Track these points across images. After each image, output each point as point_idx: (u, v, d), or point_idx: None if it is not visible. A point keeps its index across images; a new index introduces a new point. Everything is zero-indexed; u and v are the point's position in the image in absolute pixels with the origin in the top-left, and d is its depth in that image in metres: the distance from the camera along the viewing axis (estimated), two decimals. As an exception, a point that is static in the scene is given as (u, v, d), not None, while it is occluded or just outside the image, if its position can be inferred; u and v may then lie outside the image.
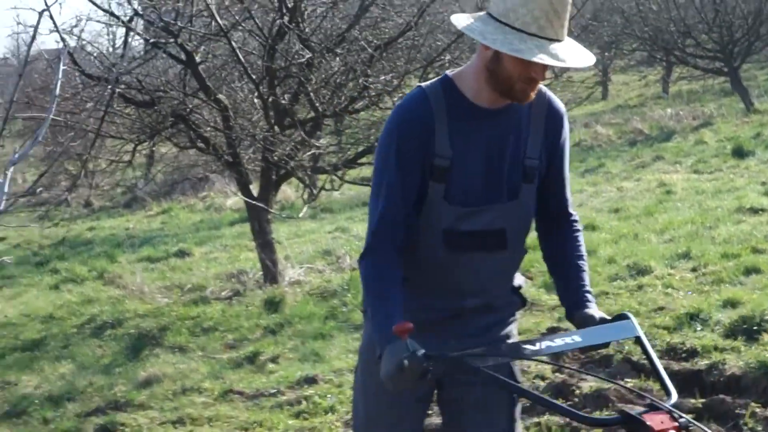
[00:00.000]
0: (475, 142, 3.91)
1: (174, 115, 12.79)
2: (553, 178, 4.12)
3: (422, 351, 3.57)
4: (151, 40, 12.52)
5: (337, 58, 12.99)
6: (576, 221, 4.25)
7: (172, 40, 11.96)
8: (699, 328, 8.70)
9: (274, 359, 9.67)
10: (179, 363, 9.95)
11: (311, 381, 8.67)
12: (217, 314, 11.77)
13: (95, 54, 13.99)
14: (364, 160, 13.30)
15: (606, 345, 4.00)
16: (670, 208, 15.54)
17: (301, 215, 14.07)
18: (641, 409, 3.48)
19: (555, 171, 4.11)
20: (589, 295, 4.08)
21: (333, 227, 18.14)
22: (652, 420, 3.36)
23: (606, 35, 37.40)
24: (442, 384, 4.15)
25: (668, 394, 3.59)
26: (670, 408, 3.45)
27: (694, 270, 11.01)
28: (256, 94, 13.00)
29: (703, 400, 6.96)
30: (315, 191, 14.57)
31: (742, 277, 10.34)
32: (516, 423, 4.13)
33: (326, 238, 16.82)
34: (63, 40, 12.18)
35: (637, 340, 3.87)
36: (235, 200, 23.30)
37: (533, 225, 4.18)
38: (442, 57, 12.96)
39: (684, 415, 3.44)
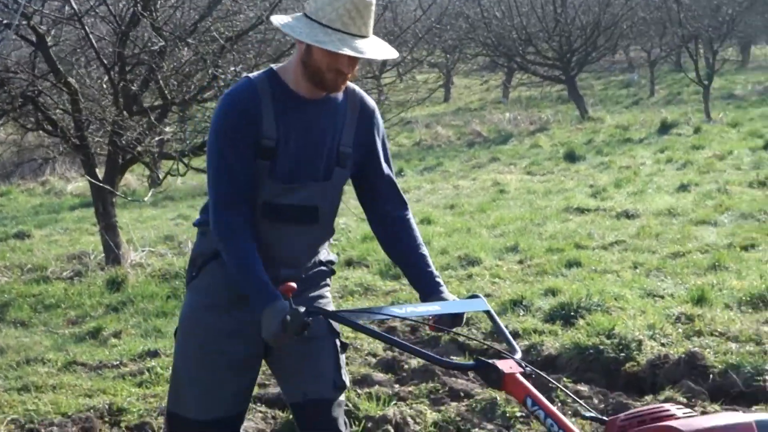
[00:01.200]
0: (296, 126, 4.36)
1: (23, 96, 12.93)
2: (374, 170, 4.58)
3: (303, 308, 4.00)
4: (4, 21, 12.62)
5: (188, 48, 13.30)
6: (408, 210, 4.71)
7: (24, 21, 12.11)
8: (522, 314, 9.31)
9: (116, 334, 9.94)
10: (22, 337, 10.13)
11: (153, 354, 8.97)
12: (59, 292, 11.94)
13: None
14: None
15: (461, 318, 4.48)
16: (503, 205, 16.27)
17: (146, 199, 14.31)
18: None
19: (375, 163, 4.58)
20: (440, 280, 4.59)
21: (175, 214, 18.41)
22: (503, 365, 3.92)
23: (450, 39, 38.23)
24: (269, 349, 4.56)
25: (514, 351, 4.14)
26: (517, 359, 4.00)
27: (520, 262, 11.67)
28: (106, 79, 13.23)
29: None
30: (160, 176, 14.83)
31: (564, 269, 11.04)
32: (342, 369, 4.55)
33: (168, 225, 17.09)
34: None
35: (487, 313, 4.43)
36: (75, 185, 23.35)
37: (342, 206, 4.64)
38: (291, 51, 13.36)
39: (527, 364, 4.00)
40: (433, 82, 45.37)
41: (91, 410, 7.42)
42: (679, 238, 12.35)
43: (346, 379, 4.58)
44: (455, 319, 4.47)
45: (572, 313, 8.95)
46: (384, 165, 4.62)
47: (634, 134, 25.10)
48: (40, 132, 15.66)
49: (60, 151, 16.35)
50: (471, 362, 4.13)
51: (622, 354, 7.79)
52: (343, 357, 4.60)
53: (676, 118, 26.53)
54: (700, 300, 9.10)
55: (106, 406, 7.47)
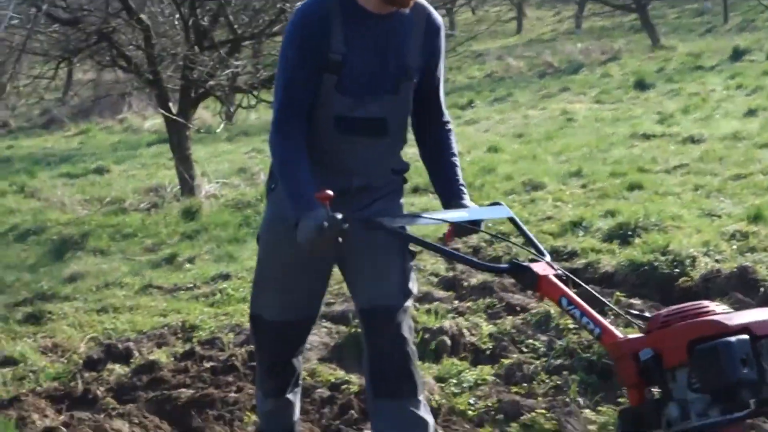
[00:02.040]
0: (364, 40, 4.56)
1: (97, 33, 13.30)
2: (430, 80, 4.78)
3: (339, 215, 4.24)
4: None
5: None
6: (448, 123, 4.91)
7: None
8: (581, 234, 9.54)
9: (191, 260, 10.34)
10: (101, 264, 10.57)
11: (225, 277, 9.36)
12: (136, 223, 12.37)
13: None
14: (279, 80, 13.92)
15: (479, 225, 4.73)
16: (570, 133, 16.42)
17: (219, 131, 14.63)
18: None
19: (432, 74, 4.77)
20: (463, 188, 4.78)
21: (249, 148, 18.74)
22: (537, 267, 4.16)
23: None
24: (342, 254, 4.83)
25: (542, 254, 4.38)
26: (549, 261, 4.24)
27: (583, 186, 11.88)
28: (177, 15, 13.57)
29: (575, 290, 7.74)
30: (232, 109, 15.17)
31: (626, 192, 11.23)
32: (410, 277, 4.76)
33: (242, 158, 17.44)
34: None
35: (511, 220, 4.66)
36: (152, 123, 23.79)
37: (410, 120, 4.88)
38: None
39: (558, 266, 4.24)
40: (505, 15, 45.51)
41: (165, 327, 7.86)
42: (743, 161, 12.45)
43: (414, 286, 4.77)
44: (473, 224, 4.67)
45: (629, 233, 9.17)
46: (440, 79, 4.81)
47: (705, 62, 24.90)
48: (116, 69, 16.07)
49: (134, 87, 16.72)
50: (506, 265, 4.35)
51: (676, 270, 8.01)
52: (411, 265, 4.79)
53: (748, 45, 26.21)
54: (756, 218, 9.26)
55: (180, 324, 7.90)
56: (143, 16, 13.10)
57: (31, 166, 18.28)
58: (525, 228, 4.60)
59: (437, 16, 4.71)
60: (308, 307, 4.97)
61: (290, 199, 4.45)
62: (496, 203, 4.79)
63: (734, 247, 8.44)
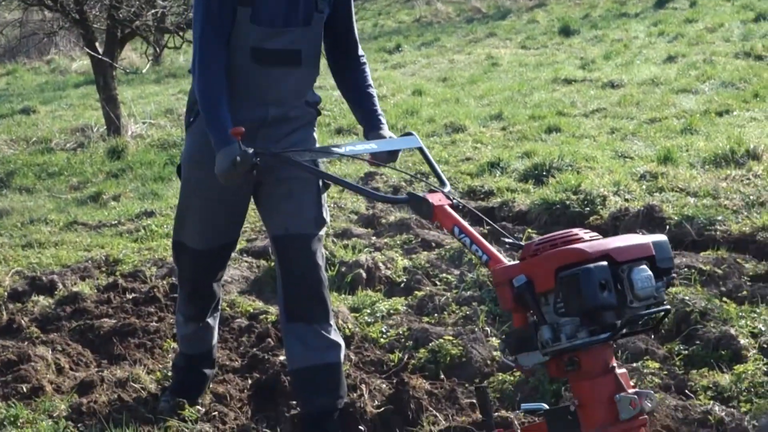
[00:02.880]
0: None
1: (23, -29, 13.31)
2: (341, 15, 5.00)
3: (251, 149, 4.47)
4: None
5: None
6: (363, 56, 5.17)
7: None
8: (498, 174, 9.81)
9: (116, 198, 10.48)
10: (26, 201, 10.67)
11: (150, 214, 9.52)
12: (62, 161, 12.46)
13: None
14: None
15: (396, 155, 4.97)
16: (494, 78, 16.69)
17: (144, 71, 14.67)
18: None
19: (342, 9, 4.99)
20: (381, 118, 5.05)
21: (176, 90, 18.81)
22: (433, 198, 4.38)
23: None
24: (258, 185, 5.04)
25: (443, 184, 4.60)
26: (446, 192, 4.47)
27: (503, 129, 12.16)
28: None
29: (488, 228, 8.00)
30: (159, 50, 15.22)
31: (544, 134, 11.54)
32: (323, 207, 5.01)
33: (169, 99, 17.51)
34: None
35: (420, 150, 4.88)
36: (80, 64, 23.72)
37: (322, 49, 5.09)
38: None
39: (454, 196, 4.47)
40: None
41: (89, 261, 8.01)
42: (659, 105, 12.77)
43: (327, 215, 5.03)
44: (391, 155, 4.94)
45: (544, 173, 9.48)
46: (352, 16, 5.05)
47: (630, 8, 25.16)
48: (42, 9, 16.03)
49: (60, 26, 16.67)
50: (404, 196, 4.59)
51: (587, 208, 8.30)
52: (324, 196, 5.04)
53: (673, -7, 26.64)
54: (666, 159, 9.58)
55: (103, 258, 8.07)
56: (69, -46, 13.12)
57: (-45, 105, 18.21)
58: (431, 158, 4.84)
59: None
60: (227, 235, 5.20)
61: (210, 134, 4.67)
62: (408, 134, 4.99)
63: (643, 187, 8.73)
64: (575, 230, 4.00)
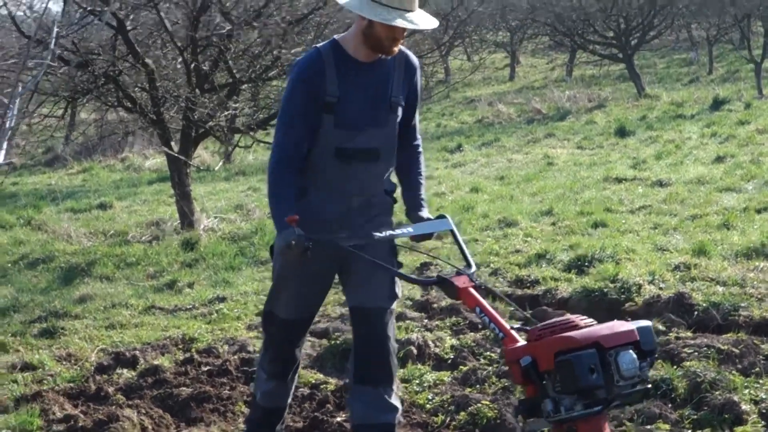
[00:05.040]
0: (355, 84, 5.63)
1: (105, 76, 14.27)
2: (409, 111, 5.87)
3: (303, 234, 5.25)
4: (88, 8, 13.94)
5: (255, 31, 14.61)
6: (419, 146, 6.03)
7: (106, 8, 13.43)
8: (544, 265, 10.52)
9: (190, 285, 11.29)
10: (107, 288, 11.49)
11: (222, 299, 10.32)
12: (139, 252, 13.29)
13: (33, 17, 15.40)
14: (274, 122, 14.97)
15: (430, 236, 5.77)
16: (548, 176, 17.40)
17: (217, 168, 15.54)
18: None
19: (411, 105, 5.86)
20: (423, 201, 5.90)
21: (245, 187, 19.68)
22: (458, 281, 5.15)
23: (512, 20, 39.37)
24: (342, 268, 5.83)
25: (469, 266, 5.38)
26: (470, 274, 5.22)
27: (553, 224, 12.87)
28: (180, 59, 14.59)
29: (531, 311, 8.75)
30: (230, 149, 16.13)
31: (591, 229, 12.23)
32: (396, 284, 5.81)
33: (239, 196, 18.38)
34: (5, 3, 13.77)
35: (451, 232, 5.66)
36: (153, 162, 24.79)
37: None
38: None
39: (479, 278, 5.23)
40: (499, 62, 46.68)
41: (167, 339, 8.84)
42: (702, 203, 13.41)
43: (399, 291, 5.87)
44: (426, 235, 5.76)
45: (586, 264, 10.21)
46: (416, 109, 5.94)
47: (686, 110, 25.81)
48: (120, 110, 17.06)
49: (139, 126, 17.70)
50: (433, 278, 5.40)
51: (623, 296, 9.03)
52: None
53: (728, 95, 27.19)
54: (700, 252, 10.27)
55: (180, 336, 8.90)
56: (148, 60, 14.06)
57: (36, 201, 18.95)
58: (461, 240, 5.65)
59: (414, 58, 5.87)
60: (312, 308, 6.06)
61: (274, 222, 5.55)
62: (442, 216, 5.80)
63: (677, 276, 9.42)
64: (572, 317, 4.77)
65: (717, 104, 26.07)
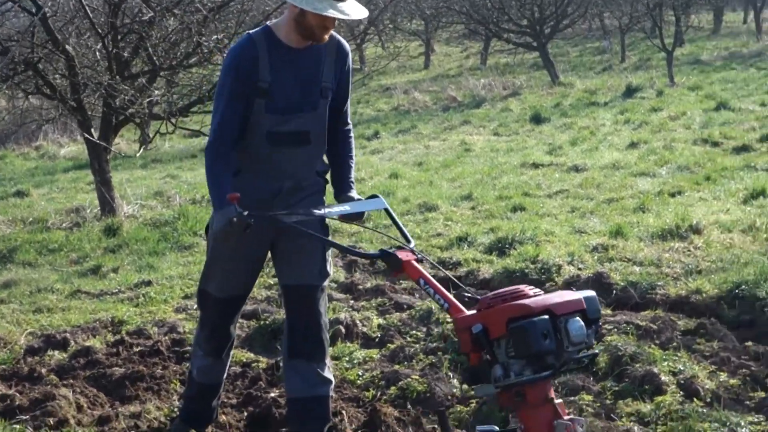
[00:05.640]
0: (287, 70, 5.78)
1: (24, 63, 14.23)
2: (340, 96, 6.02)
3: (246, 212, 5.39)
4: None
5: (175, 18, 14.65)
6: (350, 129, 6.19)
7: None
8: (466, 247, 10.75)
9: (114, 270, 11.34)
10: (31, 273, 11.50)
11: (147, 283, 10.41)
12: (60, 239, 13.29)
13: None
14: (194, 109, 15.10)
15: (362, 216, 5.94)
16: (466, 162, 17.66)
17: (138, 154, 15.55)
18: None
19: (342, 91, 6.02)
20: (353, 184, 6.07)
21: (164, 174, 19.72)
22: (402, 254, 5.32)
23: (428, 8, 39.65)
24: (275, 242, 5.98)
25: (408, 241, 5.55)
26: (412, 248, 5.40)
27: (472, 208, 13.11)
28: (100, 46, 14.60)
29: (454, 292, 8.93)
30: (150, 135, 16.16)
31: (510, 213, 12.49)
32: (327, 261, 5.99)
33: (157, 183, 18.43)
34: None
35: (386, 210, 5.85)
36: (68, 150, 24.69)
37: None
38: (266, 21, 14.67)
39: (419, 252, 5.40)
40: (414, 51, 46.93)
41: (97, 322, 8.93)
42: (617, 187, 13.74)
43: (330, 269, 6.06)
44: (359, 215, 5.93)
45: (507, 246, 10.45)
46: (348, 94, 6.09)
47: (600, 98, 26.13)
48: (39, 97, 17.00)
49: (59, 113, 17.64)
50: (377, 252, 5.53)
51: (544, 276, 9.30)
52: (329, 252, 6.03)
53: (641, 83, 27.57)
54: (617, 234, 10.57)
55: (109, 319, 9.00)
56: (68, 47, 14.05)
57: (-51, 190, 18.95)
58: (397, 218, 5.82)
59: (345, 44, 6.04)
60: (244, 287, 6.21)
61: (211, 198, 5.72)
62: (374, 196, 5.99)
63: (595, 257, 9.71)
64: (522, 287, 4.95)
65: (630, 92, 26.48)
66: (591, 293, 4.94)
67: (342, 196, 6.00)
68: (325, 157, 6.09)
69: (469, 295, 5.40)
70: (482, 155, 18.53)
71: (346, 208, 5.76)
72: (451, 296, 5.15)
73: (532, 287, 5.00)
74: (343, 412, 6.27)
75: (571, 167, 15.88)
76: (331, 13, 5.56)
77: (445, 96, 30.09)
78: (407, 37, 47.00)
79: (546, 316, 4.71)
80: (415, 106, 29.16)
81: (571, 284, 8.89)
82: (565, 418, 4.75)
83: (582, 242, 10.37)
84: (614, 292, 8.67)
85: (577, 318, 4.79)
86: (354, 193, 6.00)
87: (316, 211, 5.73)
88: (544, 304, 4.77)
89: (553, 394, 4.84)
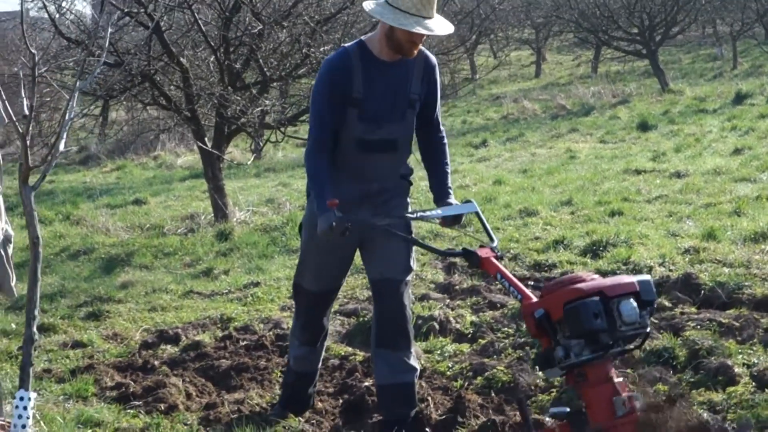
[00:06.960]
0: (378, 82, 6.25)
1: (141, 75, 14.87)
2: (429, 107, 6.47)
3: (343, 216, 5.85)
4: (125, 10, 14.56)
5: (284, 30, 15.22)
6: (443, 137, 6.62)
7: (142, 10, 14.06)
8: (561, 250, 11.07)
9: (225, 272, 11.88)
10: (147, 276, 12.09)
11: (256, 284, 10.94)
12: (175, 244, 13.89)
13: (72, 20, 16.05)
14: (303, 118, 15.64)
15: (459, 219, 6.36)
16: (570, 169, 17.91)
17: (249, 162, 16.10)
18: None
19: (430, 102, 6.47)
20: (450, 190, 6.53)
21: (276, 183, 20.26)
22: (482, 252, 5.75)
23: (537, 17, 39.86)
24: (363, 242, 6.44)
25: (492, 240, 5.97)
26: (493, 247, 5.82)
27: (572, 213, 13.38)
28: (213, 58, 15.20)
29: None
30: (261, 143, 16.73)
31: (608, 217, 12.74)
32: (411, 257, 6.45)
33: (270, 190, 18.97)
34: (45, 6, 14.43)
35: (476, 214, 6.28)
36: (184, 159, 25.43)
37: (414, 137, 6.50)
38: (371, 31, 15.14)
39: (500, 250, 5.80)
40: (526, 60, 47.15)
41: (207, 319, 9.48)
42: (716, 192, 13.88)
43: (414, 264, 6.53)
44: (456, 218, 6.40)
45: (601, 248, 10.75)
46: (437, 104, 6.53)
47: (709, 105, 26.04)
48: (155, 108, 17.67)
49: (174, 123, 18.32)
50: (459, 250, 6.00)
51: (634, 277, 9.55)
52: (413, 248, 6.49)
53: (751, 89, 27.42)
54: (710, 237, 10.79)
55: (219, 316, 9.56)
56: (183, 60, 14.66)
57: (73, 198, 19.60)
58: (485, 221, 6.28)
59: (432, 58, 6.49)
60: (335, 281, 6.73)
61: (315, 203, 6.18)
62: (468, 201, 6.43)
63: (686, 259, 9.95)
64: (581, 273, 5.34)
65: (739, 98, 26.36)
66: (646, 277, 5.32)
67: (440, 202, 6.44)
68: (409, 161, 6.51)
69: (533, 283, 5.80)
70: (586, 162, 18.75)
71: (438, 212, 6.24)
72: (525, 288, 5.54)
73: (590, 273, 5.37)
74: (430, 398, 6.72)
75: (673, 173, 16.02)
76: (418, 30, 6.00)
77: (555, 104, 30.23)
78: (518, 45, 47.24)
79: (597, 298, 5.08)
80: (524, 115, 29.37)
81: (660, 285, 9.14)
82: (624, 394, 5.12)
83: (674, 245, 10.61)
84: (702, 292, 8.92)
85: (630, 300, 5.17)
86: (452, 199, 6.46)
87: (410, 215, 6.24)
88: (596, 287, 5.17)
89: (613, 372, 5.20)
